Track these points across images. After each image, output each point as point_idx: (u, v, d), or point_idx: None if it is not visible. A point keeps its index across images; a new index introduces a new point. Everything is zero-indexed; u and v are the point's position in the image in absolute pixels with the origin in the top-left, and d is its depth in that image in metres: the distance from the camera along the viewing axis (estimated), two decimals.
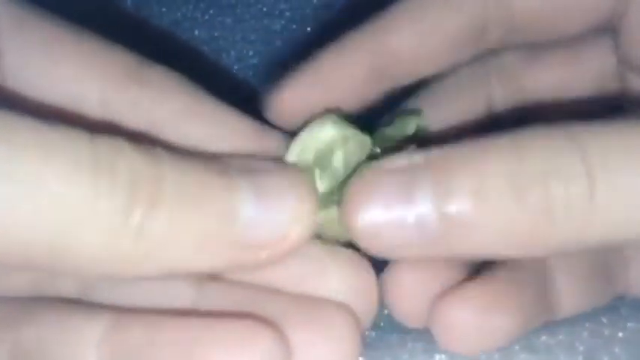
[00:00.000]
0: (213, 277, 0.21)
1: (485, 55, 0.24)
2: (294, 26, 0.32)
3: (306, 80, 0.23)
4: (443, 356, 0.23)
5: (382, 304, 0.25)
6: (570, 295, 0.23)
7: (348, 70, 0.23)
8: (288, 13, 0.32)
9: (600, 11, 0.22)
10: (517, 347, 0.24)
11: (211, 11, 0.32)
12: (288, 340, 0.19)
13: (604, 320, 0.25)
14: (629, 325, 0.25)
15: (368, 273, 0.21)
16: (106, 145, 0.17)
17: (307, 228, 0.19)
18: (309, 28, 0.32)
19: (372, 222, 0.19)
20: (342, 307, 0.20)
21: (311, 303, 0.20)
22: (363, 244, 0.19)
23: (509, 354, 0.23)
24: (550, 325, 0.24)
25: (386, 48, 0.22)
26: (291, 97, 0.23)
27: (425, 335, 0.24)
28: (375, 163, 0.19)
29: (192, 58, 0.31)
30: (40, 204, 0.16)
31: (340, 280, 0.21)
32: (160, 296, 0.21)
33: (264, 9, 0.32)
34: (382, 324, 0.25)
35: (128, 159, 0.17)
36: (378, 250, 0.19)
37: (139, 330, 0.19)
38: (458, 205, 0.18)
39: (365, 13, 0.32)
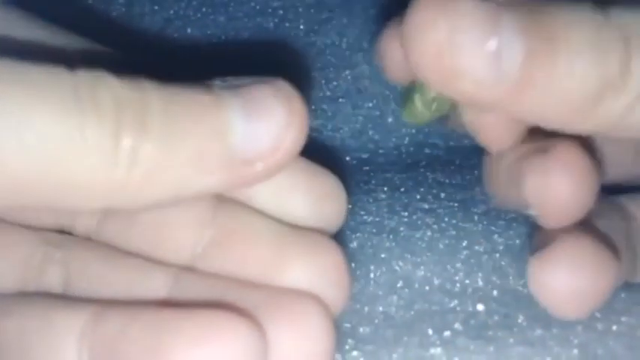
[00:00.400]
0: (188, 268, 0.21)
1: None
2: (287, 24, 0.32)
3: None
4: (438, 350, 0.24)
5: (376, 298, 0.25)
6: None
7: None
8: (280, 11, 0.32)
9: None
10: (512, 340, 0.24)
11: (204, 9, 0.32)
12: (264, 332, 0.19)
13: (597, 315, 0.25)
14: (622, 319, 0.25)
15: (337, 258, 0.21)
16: (87, 76, 0.17)
17: (299, 134, 0.19)
18: (301, 26, 0.32)
19: (451, 35, 0.17)
20: (313, 298, 0.20)
21: (283, 294, 0.20)
22: (426, 56, 0.18)
23: (505, 347, 0.24)
24: (545, 319, 0.24)
25: None
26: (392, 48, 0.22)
27: (420, 330, 0.24)
28: None
29: (185, 56, 0.31)
30: (27, 141, 0.16)
31: (309, 268, 0.21)
32: (137, 288, 0.21)
33: (257, 7, 0.32)
34: (377, 320, 0.25)
35: (110, 87, 0.17)
36: (437, 69, 0.18)
37: (114, 322, 0.19)
38: (542, 49, 0.17)
39: (358, 11, 0.32)
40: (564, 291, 0.21)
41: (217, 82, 0.19)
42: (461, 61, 0.17)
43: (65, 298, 0.21)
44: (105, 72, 0.17)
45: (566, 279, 0.21)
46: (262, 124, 0.18)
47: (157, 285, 0.21)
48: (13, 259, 0.22)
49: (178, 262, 0.21)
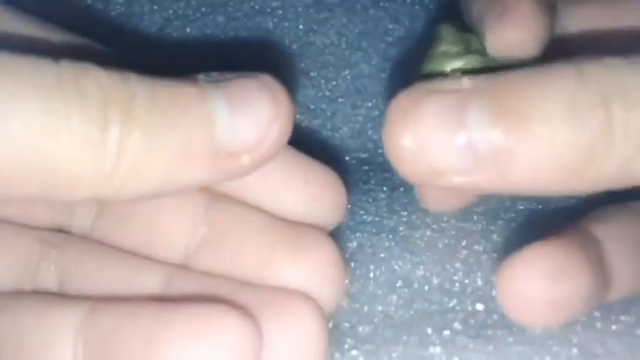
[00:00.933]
0: (183, 267, 0.21)
1: None
2: (286, 24, 0.32)
3: None
4: (438, 349, 0.24)
5: (376, 297, 0.25)
6: (621, 275, 0.22)
7: None
8: (280, 11, 0.32)
9: None
10: (511, 339, 0.24)
11: (203, 9, 0.32)
12: (260, 327, 0.19)
13: (597, 314, 0.25)
14: (622, 318, 0.25)
15: (332, 254, 0.21)
16: (72, 67, 0.17)
17: (285, 127, 0.19)
18: (301, 26, 0.32)
19: (418, 141, 0.18)
20: (307, 296, 0.20)
21: (276, 293, 0.20)
22: (403, 165, 0.18)
23: (504, 346, 0.23)
24: None
25: None
26: None
27: (420, 329, 0.24)
28: (417, 85, 0.19)
29: (184, 56, 0.31)
30: (12, 129, 0.16)
31: (302, 264, 0.21)
32: (131, 286, 0.21)
33: (256, 7, 0.32)
34: (376, 319, 0.25)
35: (96, 79, 0.17)
36: (418, 174, 0.18)
37: (109, 318, 0.19)
38: (516, 127, 0.17)
39: (357, 10, 0.32)
40: (523, 299, 0.20)
41: (201, 76, 0.19)
42: (437, 161, 0.18)
43: (60, 296, 0.21)
44: (90, 63, 0.17)
45: (526, 287, 0.20)
46: (247, 116, 0.18)
47: (151, 282, 0.21)
48: (8, 257, 0.22)
49: (172, 260, 0.22)
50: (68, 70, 0.17)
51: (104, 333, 0.19)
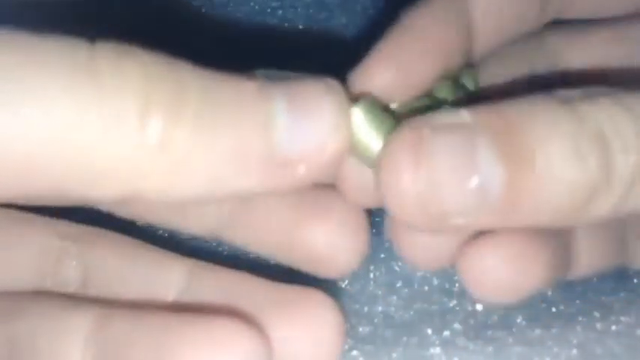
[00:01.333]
0: (202, 266, 0.21)
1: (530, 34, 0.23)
2: (286, 24, 0.32)
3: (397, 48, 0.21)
4: (437, 349, 0.24)
5: (376, 297, 0.25)
6: (588, 252, 0.22)
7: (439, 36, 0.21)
8: (280, 12, 0.32)
9: None
10: (511, 340, 0.24)
11: (203, 10, 0.32)
12: (269, 341, 0.19)
13: (597, 314, 0.25)
14: (622, 318, 0.25)
15: (354, 214, 0.21)
16: (109, 49, 0.15)
17: (345, 138, 0.17)
18: (301, 26, 0.32)
19: (431, 185, 0.17)
20: (325, 299, 0.20)
21: (294, 294, 0.20)
22: (408, 210, 0.17)
23: (504, 347, 0.24)
24: (544, 319, 0.24)
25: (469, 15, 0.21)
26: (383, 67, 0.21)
27: (420, 330, 0.24)
28: (414, 120, 0.17)
29: (183, 56, 0.31)
30: (27, 115, 0.14)
31: (327, 225, 0.21)
32: (152, 282, 0.21)
33: (256, 7, 0.32)
34: (376, 320, 0.25)
35: (140, 62, 0.15)
36: (424, 219, 0.17)
37: (120, 326, 0.19)
38: (522, 168, 0.17)
39: (357, 11, 0.32)
40: (482, 277, 0.20)
41: (261, 71, 0.17)
42: (446, 204, 0.17)
43: (75, 299, 0.21)
44: (133, 46, 0.15)
45: (486, 266, 0.20)
46: (309, 122, 0.16)
47: (171, 280, 0.21)
48: (28, 253, 0.22)
49: (204, 230, 0.22)
50: (104, 51, 0.15)
51: (115, 341, 0.19)
